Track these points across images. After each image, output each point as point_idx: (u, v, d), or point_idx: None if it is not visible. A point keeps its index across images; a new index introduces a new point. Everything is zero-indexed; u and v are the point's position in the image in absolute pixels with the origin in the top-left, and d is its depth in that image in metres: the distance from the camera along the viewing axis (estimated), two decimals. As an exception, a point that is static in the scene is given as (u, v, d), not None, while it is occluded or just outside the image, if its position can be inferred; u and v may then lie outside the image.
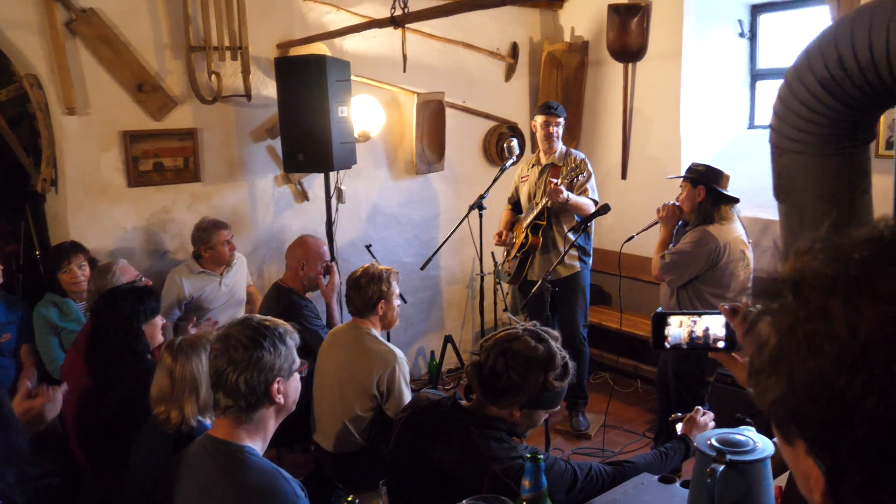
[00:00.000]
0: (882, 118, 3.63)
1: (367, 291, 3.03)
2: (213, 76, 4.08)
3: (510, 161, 4.50)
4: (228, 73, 4.20)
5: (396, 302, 3.15)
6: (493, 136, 5.43)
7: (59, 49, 3.69)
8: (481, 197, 4.40)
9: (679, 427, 2.27)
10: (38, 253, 4.22)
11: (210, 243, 3.87)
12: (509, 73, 5.47)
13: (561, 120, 4.33)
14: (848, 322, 0.59)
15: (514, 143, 4.63)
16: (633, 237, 3.76)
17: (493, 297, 5.00)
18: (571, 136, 5.28)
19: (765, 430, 1.61)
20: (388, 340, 3.23)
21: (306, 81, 3.90)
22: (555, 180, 4.09)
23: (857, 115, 1.92)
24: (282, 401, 1.81)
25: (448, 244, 4.69)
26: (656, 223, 3.74)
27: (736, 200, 3.56)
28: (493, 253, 4.96)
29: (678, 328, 1.48)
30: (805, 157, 2.00)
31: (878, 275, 0.60)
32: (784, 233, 2.17)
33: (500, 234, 4.50)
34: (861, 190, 2.06)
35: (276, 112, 4.17)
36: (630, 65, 5.03)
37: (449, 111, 5.13)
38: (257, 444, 1.81)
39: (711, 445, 1.60)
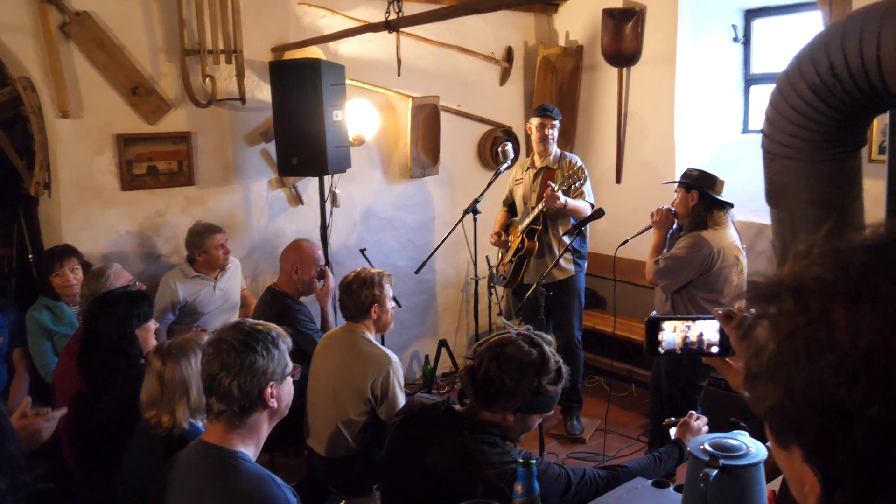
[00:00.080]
0: (875, 123, 3.66)
1: (359, 296, 3.03)
2: (208, 79, 4.08)
3: (504, 165, 4.51)
4: (223, 76, 4.20)
5: (390, 305, 3.15)
6: (487, 140, 5.43)
7: (52, 52, 3.68)
8: (476, 201, 4.40)
9: (673, 431, 2.28)
10: (31, 257, 4.20)
11: (204, 247, 3.86)
12: (504, 77, 5.48)
13: (556, 122, 4.34)
14: (849, 329, 0.58)
15: (509, 147, 4.63)
16: (627, 241, 3.77)
17: (487, 301, 5.00)
18: (566, 141, 5.29)
19: (758, 435, 1.62)
20: (383, 344, 3.23)
21: (301, 85, 3.90)
22: (552, 185, 4.09)
23: (848, 120, 1.93)
24: (275, 405, 1.80)
25: (443, 248, 4.69)
26: (650, 227, 3.75)
27: (730, 206, 3.57)
28: (487, 257, 4.96)
29: (672, 333, 1.48)
30: (797, 162, 2.01)
31: (879, 281, 0.60)
32: (776, 238, 2.18)
33: (497, 234, 4.50)
34: (853, 195, 2.07)
35: (271, 116, 4.16)
36: (624, 69, 5.05)
37: (444, 115, 5.13)
38: (250, 449, 1.80)
39: (705, 450, 1.60)
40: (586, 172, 4.32)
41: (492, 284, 4.95)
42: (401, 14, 3.41)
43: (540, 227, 4.29)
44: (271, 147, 4.39)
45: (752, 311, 0.69)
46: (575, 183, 4.19)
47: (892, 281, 0.59)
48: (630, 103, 5.12)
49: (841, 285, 0.61)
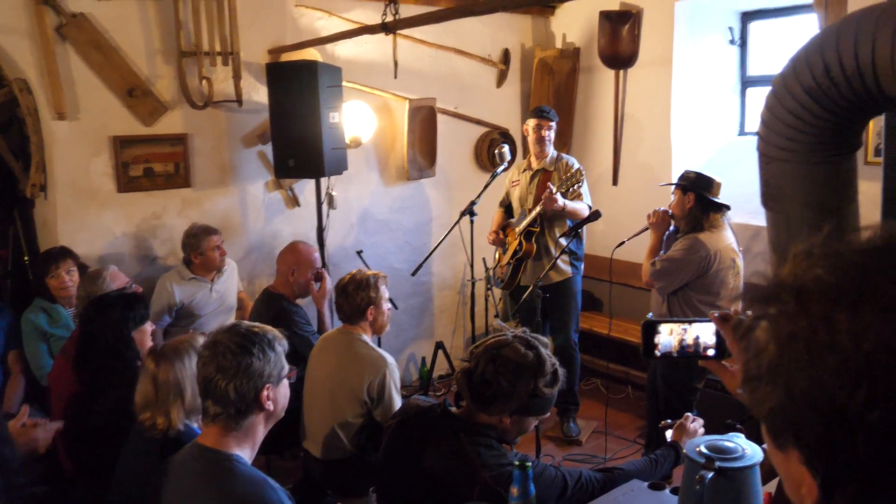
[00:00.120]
0: (871, 125, 3.67)
1: (355, 298, 3.02)
2: (204, 81, 4.07)
3: (501, 167, 4.51)
4: (219, 78, 4.20)
5: (386, 307, 3.14)
6: (484, 142, 5.44)
7: (49, 54, 3.67)
8: (472, 203, 4.40)
9: (669, 434, 2.28)
10: (26, 258, 4.19)
11: (200, 249, 3.86)
12: (501, 79, 5.48)
13: (553, 124, 4.34)
14: (851, 333, 0.58)
15: (506, 149, 4.64)
16: (623, 242, 3.77)
17: (484, 304, 5.00)
18: (563, 143, 5.30)
19: (754, 437, 1.62)
20: (379, 346, 3.23)
21: (297, 87, 3.90)
22: (551, 186, 4.10)
23: (844, 123, 1.93)
24: (271, 407, 1.80)
25: (439, 250, 4.69)
26: (647, 229, 3.76)
27: (726, 208, 3.58)
28: (484, 259, 4.96)
29: (668, 336, 1.48)
30: (792, 165, 2.01)
31: (881, 283, 0.59)
32: (771, 240, 2.18)
33: (496, 233, 4.50)
34: (848, 198, 2.07)
35: (268, 117, 4.16)
36: (621, 71, 5.06)
37: (440, 117, 5.13)
38: (246, 452, 1.80)
39: (701, 452, 1.60)
40: (584, 174, 4.32)
41: (489, 286, 4.96)
42: (397, 16, 3.41)
43: (537, 230, 4.29)
44: (268, 149, 4.39)
45: (749, 312, 0.68)
46: (573, 185, 4.19)
47: (893, 283, 0.59)
48: (627, 105, 5.13)
49: (843, 287, 0.61)
